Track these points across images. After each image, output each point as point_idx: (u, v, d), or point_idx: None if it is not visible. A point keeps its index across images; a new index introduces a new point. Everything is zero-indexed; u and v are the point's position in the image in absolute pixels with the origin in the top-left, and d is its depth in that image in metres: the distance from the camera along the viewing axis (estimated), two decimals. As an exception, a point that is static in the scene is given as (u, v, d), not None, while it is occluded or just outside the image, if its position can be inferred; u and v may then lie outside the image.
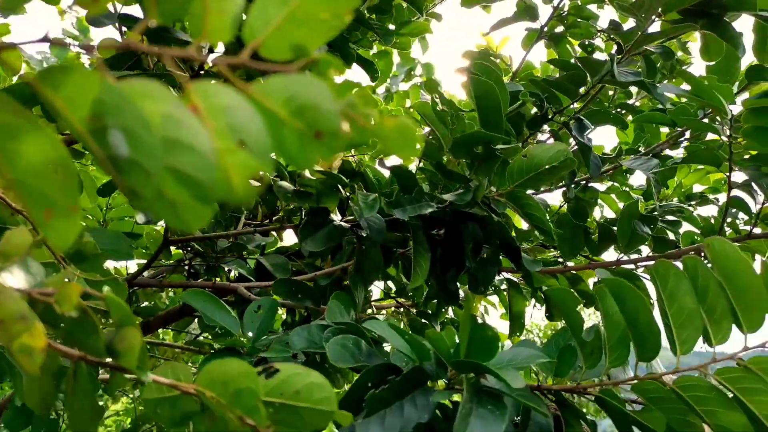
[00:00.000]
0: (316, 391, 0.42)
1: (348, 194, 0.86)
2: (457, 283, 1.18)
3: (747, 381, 0.57)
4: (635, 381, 0.64)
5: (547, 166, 0.75)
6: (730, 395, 0.58)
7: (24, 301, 0.32)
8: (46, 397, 0.43)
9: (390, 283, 1.67)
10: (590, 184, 1.42)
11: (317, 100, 0.27)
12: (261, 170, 0.26)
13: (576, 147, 1.12)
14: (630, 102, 1.68)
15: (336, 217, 0.89)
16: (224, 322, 0.75)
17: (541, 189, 1.29)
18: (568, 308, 0.67)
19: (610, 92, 1.64)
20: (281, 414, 0.43)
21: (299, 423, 0.43)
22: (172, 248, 1.58)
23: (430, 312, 1.34)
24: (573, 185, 1.25)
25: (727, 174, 0.86)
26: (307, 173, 0.88)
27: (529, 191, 0.92)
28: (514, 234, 1.10)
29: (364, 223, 0.80)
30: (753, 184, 0.85)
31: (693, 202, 1.34)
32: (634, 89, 1.62)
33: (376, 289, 1.78)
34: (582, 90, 1.05)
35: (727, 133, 0.80)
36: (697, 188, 1.76)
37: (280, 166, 0.86)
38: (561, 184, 1.25)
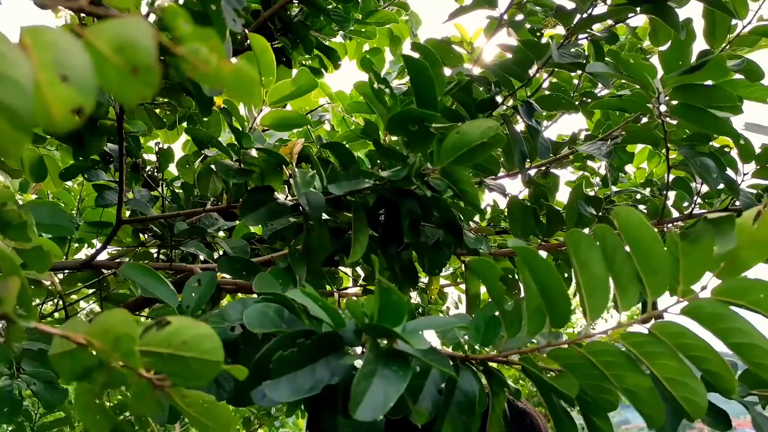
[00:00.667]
0: (204, 342, 0.44)
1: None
2: (415, 266, 1.20)
3: (650, 345, 0.59)
4: (552, 347, 0.66)
5: (478, 142, 0.76)
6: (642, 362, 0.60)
7: None
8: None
9: (360, 270, 1.69)
10: (551, 171, 1.43)
11: (137, 38, 0.28)
12: (83, 104, 0.28)
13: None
14: (596, 91, 1.69)
15: (281, 195, 0.90)
16: (162, 294, 0.76)
17: (500, 173, 1.30)
18: (489, 278, 0.68)
19: (575, 81, 1.66)
20: (170, 364, 0.44)
21: (188, 373, 0.44)
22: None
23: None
24: (528, 169, 1.26)
25: (665, 153, 0.87)
26: (252, 152, 0.89)
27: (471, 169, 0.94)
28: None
29: (303, 199, 0.81)
30: (688, 163, 0.87)
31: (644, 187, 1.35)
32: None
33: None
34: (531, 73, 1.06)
35: (657, 111, 0.82)
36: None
37: (221, 145, 0.87)
38: (515, 171, 1.26)
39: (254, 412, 3.31)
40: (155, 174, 1.38)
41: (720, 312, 0.55)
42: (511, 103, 1.18)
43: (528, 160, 1.25)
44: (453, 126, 0.81)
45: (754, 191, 0.96)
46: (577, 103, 1.50)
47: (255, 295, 0.84)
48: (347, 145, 0.89)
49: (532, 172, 1.38)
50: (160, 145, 1.30)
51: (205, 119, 1.30)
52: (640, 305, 0.83)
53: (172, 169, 1.58)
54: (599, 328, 0.64)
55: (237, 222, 1.35)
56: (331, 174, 0.78)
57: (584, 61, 0.92)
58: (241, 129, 0.84)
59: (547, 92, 1.29)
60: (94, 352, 0.45)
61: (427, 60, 0.80)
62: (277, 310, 0.65)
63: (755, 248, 0.55)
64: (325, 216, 0.99)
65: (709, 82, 0.88)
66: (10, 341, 0.45)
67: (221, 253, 1.36)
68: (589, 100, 1.58)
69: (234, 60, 0.32)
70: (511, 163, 1.10)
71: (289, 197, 0.91)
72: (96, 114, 0.88)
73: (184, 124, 1.36)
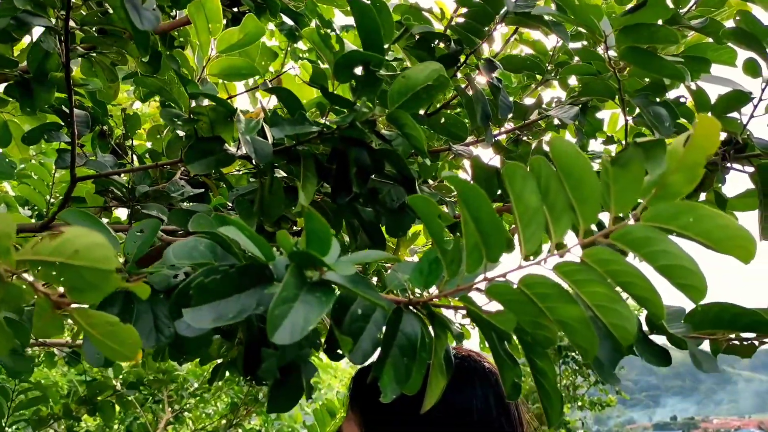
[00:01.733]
0: (96, 250, 0.42)
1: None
2: (380, 228, 1.18)
3: (581, 273, 0.57)
4: (489, 284, 0.64)
5: (423, 85, 0.74)
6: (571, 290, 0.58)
7: None
8: None
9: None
10: (523, 138, 1.41)
11: None
12: None
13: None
14: (573, 62, 1.68)
15: (232, 148, 0.88)
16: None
17: (469, 137, 1.29)
18: (429, 216, 0.66)
19: (551, 53, 1.64)
20: (63, 273, 0.43)
21: (82, 283, 0.43)
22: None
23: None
24: (496, 135, 1.25)
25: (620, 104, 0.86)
26: (206, 102, 0.87)
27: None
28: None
29: (249, 147, 0.79)
30: (642, 113, 0.85)
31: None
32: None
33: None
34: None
35: (607, 57, 0.80)
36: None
37: (169, 94, 0.85)
38: (481, 137, 1.25)
39: (241, 397, 3.29)
40: (123, 142, 1.36)
41: (648, 236, 0.54)
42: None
43: (495, 124, 1.24)
44: (399, 72, 0.79)
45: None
46: (553, 74, 1.49)
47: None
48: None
49: (502, 137, 1.37)
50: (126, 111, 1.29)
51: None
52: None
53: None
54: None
55: (204, 189, 1.33)
56: (274, 119, 0.76)
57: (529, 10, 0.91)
58: (189, 76, 0.83)
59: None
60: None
61: (374, 4, 0.78)
62: (209, 245, 0.64)
63: (685, 172, 0.53)
64: (282, 174, 0.98)
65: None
66: None
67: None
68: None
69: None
70: (474, 122, 1.08)
71: (241, 150, 0.89)
72: (46, 66, 0.86)
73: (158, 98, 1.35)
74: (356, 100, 0.81)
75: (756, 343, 0.75)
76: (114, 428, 3.77)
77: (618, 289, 0.56)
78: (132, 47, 0.85)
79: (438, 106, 1.23)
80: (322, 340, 0.75)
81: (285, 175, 0.97)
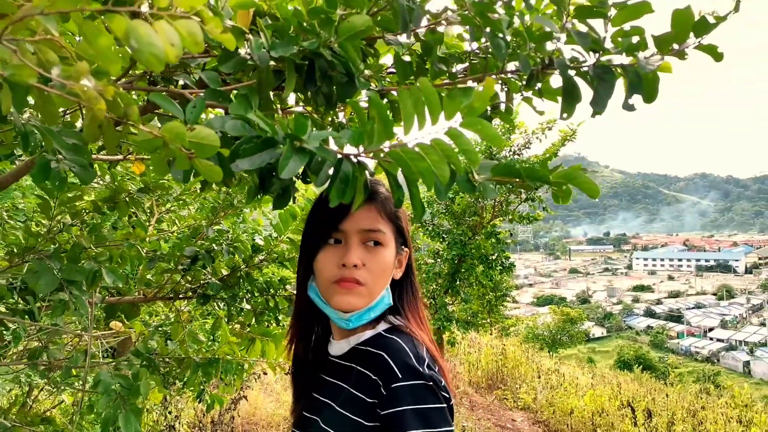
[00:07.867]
0: (205, 135, 0.97)
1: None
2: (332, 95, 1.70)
3: (427, 149, 1.14)
4: (388, 149, 1.21)
5: (359, 29, 1.24)
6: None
7: None
8: None
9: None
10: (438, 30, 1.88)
11: None
12: None
13: None
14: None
15: (242, 50, 1.37)
16: (174, 111, 1.27)
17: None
18: (355, 105, 1.21)
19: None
20: (192, 146, 0.97)
21: (200, 149, 0.98)
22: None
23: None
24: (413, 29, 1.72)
25: None
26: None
27: None
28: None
29: (255, 56, 1.30)
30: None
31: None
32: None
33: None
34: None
35: None
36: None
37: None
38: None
39: (219, 203, 3.93)
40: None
41: (459, 133, 1.10)
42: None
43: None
44: (348, 14, 1.28)
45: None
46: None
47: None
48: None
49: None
50: None
51: None
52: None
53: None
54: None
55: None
56: (273, 43, 1.26)
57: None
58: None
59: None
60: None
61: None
62: (243, 124, 1.17)
63: (479, 102, 1.09)
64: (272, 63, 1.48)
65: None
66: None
67: (197, 78, 1.83)
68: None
69: None
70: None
71: (247, 51, 1.39)
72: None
73: None
74: (320, 31, 1.31)
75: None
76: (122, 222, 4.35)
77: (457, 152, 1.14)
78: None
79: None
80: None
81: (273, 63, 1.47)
